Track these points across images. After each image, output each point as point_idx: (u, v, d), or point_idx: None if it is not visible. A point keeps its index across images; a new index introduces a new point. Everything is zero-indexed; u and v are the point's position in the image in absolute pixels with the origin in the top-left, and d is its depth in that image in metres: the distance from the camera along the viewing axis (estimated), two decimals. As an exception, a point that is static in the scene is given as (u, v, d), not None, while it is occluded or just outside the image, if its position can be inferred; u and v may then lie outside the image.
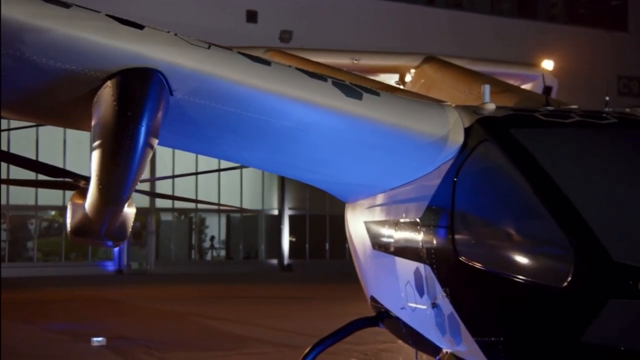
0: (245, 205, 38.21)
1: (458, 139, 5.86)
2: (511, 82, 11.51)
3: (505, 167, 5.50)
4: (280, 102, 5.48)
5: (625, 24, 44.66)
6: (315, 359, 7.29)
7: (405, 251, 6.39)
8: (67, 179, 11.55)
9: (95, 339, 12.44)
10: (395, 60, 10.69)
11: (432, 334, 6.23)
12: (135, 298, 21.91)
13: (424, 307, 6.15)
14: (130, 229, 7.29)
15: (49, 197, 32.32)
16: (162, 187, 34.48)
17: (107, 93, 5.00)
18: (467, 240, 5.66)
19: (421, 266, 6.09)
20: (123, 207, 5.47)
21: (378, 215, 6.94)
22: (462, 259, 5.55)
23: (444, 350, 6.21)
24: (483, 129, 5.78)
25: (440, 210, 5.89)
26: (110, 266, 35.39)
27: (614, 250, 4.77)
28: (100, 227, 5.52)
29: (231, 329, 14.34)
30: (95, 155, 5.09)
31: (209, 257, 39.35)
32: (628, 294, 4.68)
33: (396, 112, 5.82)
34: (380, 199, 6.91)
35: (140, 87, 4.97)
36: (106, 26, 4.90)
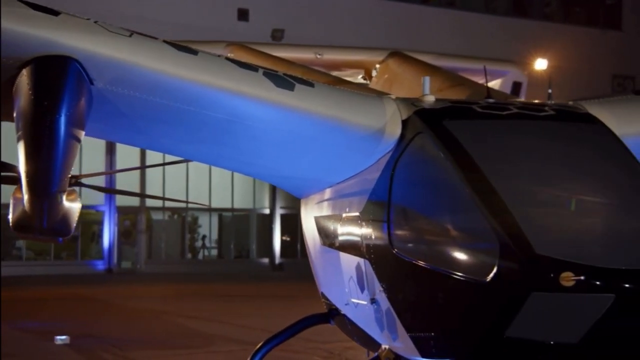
0: (237, 205, 38.10)
1: (395, 131, 5.78)
2: (478, 78, 11.41)
3: (438, 159, 5.43)
4: (208, 92, 5.37)
5: (619, 23, 44.52)
6: (267, 355, 7.23)
7: (348, 246, 6.33)
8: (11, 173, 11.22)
9: (58, 337, 12.32)
10: (360, 55, 10.57)
11: (372, 330, 6.18)
12: (117, 297, 21.87)
13: (365, 302, 6.09)
14: (74, 224, 7.15)
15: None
16: (152, 186, 34.47)
17: (23, 82, 4.90)
18: (401, 234, 5.59)
19: (361, 261, 6.04)
20: (57, 200, 5.34)
21: (325, 210, 6.86)
22: (396, 253, 5.48)
23: (383, 346, 6.17)
24: (419, 121, 5.70)
25: (378, 205, 5.82)
26: (100, 265, 35.29)
27: (537, 243, 4.70)
28: (39, 221, 5.39)
29: (204, 328, 14.26)
30: (20, 147, 4.99)
31: (200, 256, 39.24)
32: (550, 287, 4.61)
33: (330, 103, 5.74)
34: (327, 193, 6.82)
35: (55, 75, 4.86)
36: (17, 12, 4.78)
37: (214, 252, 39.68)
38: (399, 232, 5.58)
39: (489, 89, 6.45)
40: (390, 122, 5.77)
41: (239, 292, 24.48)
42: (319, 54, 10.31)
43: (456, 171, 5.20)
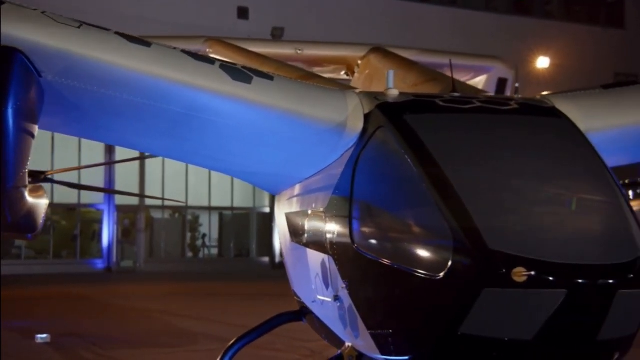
0: (237, 203, 38.03)
1: (357, 125, 5.71)
2: (463, 74, 11.32)
3: (396, 153, 5.36)
4: (162, 85, 5.30)
5: (622, 21, 44.35)
6: (238, 353, 7.17)
7: (314, 243, 6.27)
8: None
9: (39, 336, 12.28)
10: (340, 51, 10.52)
11: (337, 328, 6.13)
12: (111, 295, 21.85)
13: (329, 300, 6.02)
14: (41, 220, 7.07)
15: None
16: (152, 185, 34.45)
17: None
18: (361, 231, 5.51)
19: (326, 258, 5.98)
20: (17, 196, 5.28)
21: (294, 206, 6.80)
22: (356, 249, 5.41)
23: (347, 344, 6.11)
24: (380, 115, 5.63)
25: (340, 200, 5.76)
26: (100, 264, 35.27)
27: (491, 238, 4.63)
28: (2, 217, 5.33)
29: (188, 326, 14.19)
30: None
31: (201, 255, 39.20)
32: (502, 283, 4.53)
33: (290, 97, 5.67)
34: (296, 190, 6.76)
35: None
36: None
37: (215, 251, 39.63)
38: (358, 228, 5.50)
39: (454, 83, 6.37)
40: (352, 116, 5.70)
41: (238, 291, 24.42)
42: (299, 50, 10.24)
43: (413, 165, 5.13)
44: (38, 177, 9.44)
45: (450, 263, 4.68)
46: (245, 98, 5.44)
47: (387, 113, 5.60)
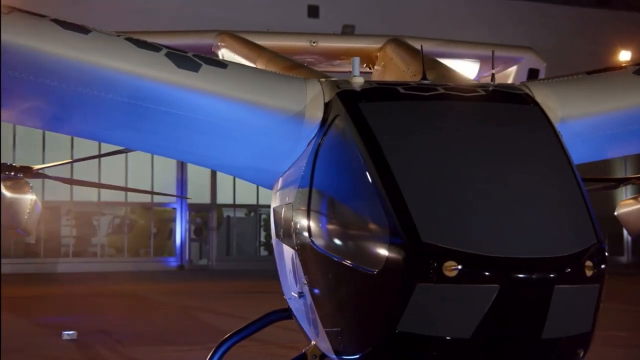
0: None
1: (317, 114, 5.50)
2: (489, 64, 10.90)
3: (348, 144, 5.13)
4: (102, 74, 5.17)
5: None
6: (228, 352, 7.03)
7: (285, 238, 6.11)
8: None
9: (66, 332, 12.37)
10: (356, 43, 10.27)
11: (304, 325, 5.99)
12: (159, 293, 22.10)
13: (297, 296, 5.86)
14: (25, 216, 7.06)
15: (115, 193, 32.83)
16: (223, 186, 34.72)
17: None
18: (316, 224, 5.31)
19: (293, 253, 5.83)
20: None
21: (276, 201, 6.65)
22: (312, 244, 5.22)
23: (312, 342, 5.93)
24: (339, 103, 5.39)
25: (303, 193, 5.58)
26: (173, 262, 35.77)
27: (426, 230, 4.38)
28: None
29: (217, 323, 14.18)
30: None
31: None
32: (434, 278, 4.28)
33: (243, 85, 5.49)
34: (279, 183, 6.60)
35: None
36: None
37: (288, 249, 39.60)
38: (314, 222, 5.31)
39: (424, 70, 6.08)
40: (311, 105, 5.49)
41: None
42: (314, 42, 10.01)
43: (361, 156, 4.90)
44: (28, 173, 9.47)
45: (385, 258, 4.46)
46: (192, 87, 5.28)
47: (345, 101, 5.36)
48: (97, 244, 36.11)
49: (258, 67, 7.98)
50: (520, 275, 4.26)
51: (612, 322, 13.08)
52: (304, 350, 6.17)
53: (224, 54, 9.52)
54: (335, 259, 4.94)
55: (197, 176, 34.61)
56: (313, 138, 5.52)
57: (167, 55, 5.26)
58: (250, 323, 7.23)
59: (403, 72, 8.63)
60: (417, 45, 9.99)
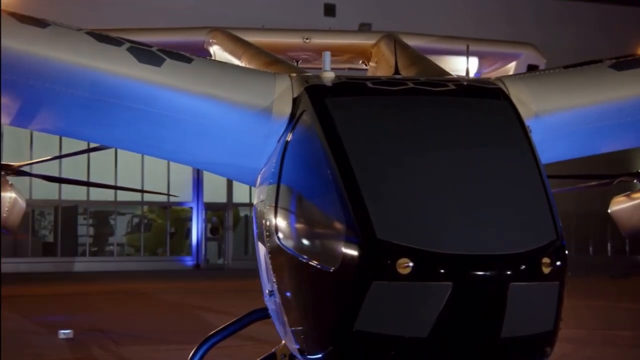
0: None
1: (285, 110, 5.42)
2: (490, 61, 10.80)
3: (312, 139, 5.05)
4: (64, 69, 5.12)
5: None
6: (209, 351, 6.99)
7: (259, 236, 6.03)
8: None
9: (62, 331, 12.37)
10: (350, 39, 10.16)
11: (276, 324, 5.91)
12: (170, 292, 22.14)
13: (268, 294, 5.79)
14: (5, 214, 7.02)
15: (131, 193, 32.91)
16: (240, 186, 34.70)
17: None
18: (282, 222, 5.24)
19: (265, 251, 5.75)
20: None
21: (254, 198, 6.59)
22: (278, 241, 5.16)
23: (282, 342, 5.86)
24: (306, 98, 5.31)
25: (272, 190, 5.52)
26: (189, 261, 35.84)
27: (382, 227, 4.30)
28: None
29: (219, 323, 14.05)
30: None
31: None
32: (389, 275, 4.20)
33: (208, 80, 5.42)
34: (257, 181, 6.53)
35: None
36: None
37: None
38: (281, 220, 5.25)
39: (397, 65, 5.98)
40: (279, 100, 5.41)
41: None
42: (306, 39, 9.92)
43: (325, 152, 4.81)
44: (9, 171, 9.40)
45: (342, 255, 4.39)
46: (154, 81, 5.21)
47: (312, 96, 5.28)
48: (115, 243, 36.25)
49: (243, 63, 7.92)
50: (474, 273, 4.17)
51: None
52: (273, 350, 6.13)
53: (215, 50, 9.48)
54: (298, 257, 4.88)
55: (214, 175, 34.60)
56: (282, 134, 5.45)
57: (129, 49, 5.20)
58: (231, 322, 7.19)
59: (391, 67, 8.55)
60: (411, 41, 9.94)
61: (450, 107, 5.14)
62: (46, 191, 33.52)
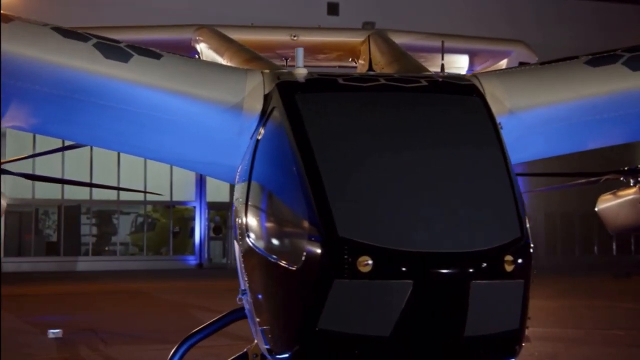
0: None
1: (256, 106, 5.38)
2: (482, 59, 10.73)
3: (282, 136, 5.01)
4: (28, 65, 5.07)
5: None
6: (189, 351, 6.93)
7: (235, 233, 5.99)
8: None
9: (51, 331, 12.33)
10: (338, 37, 10.10)
11: (250, 323, 5.83)
12: (169, 291, 22.10)
13: (241, 294, 5.76)
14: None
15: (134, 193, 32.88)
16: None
17: None
18: (252, 220, 5.21)
19: (239, 250, 5.71)
20: None
21: (234, 197, 6.55)
22: (249, 240, 5.14)
23: (255, 341, 5.81)
24: (276, 95, 5.25)
25: (244, 188, 5.52)
26: (192, 260, 35.80)
27: (344, 225, 4.26)
28: None
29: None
30: None
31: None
32: (350, 273, 4.17)
33: (177, 77, 5.38)
34: (236, 179, 6.49)
35: None
36: None
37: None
38: (250, 218, 5.22)
39: (371, 61, 5.92)
40: (250, 97, 5.37)
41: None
42: (294, 36, 9.86)
43: (292, 149, 4.77)
44: None
45: (305, 253, 4.36)
46: (120, 77, 5.17)
47: (282, 92, 5.23)
48: (118, 242, 36.22)
49: (225, 60, 7.87)
50: (434, 271, 4.12)
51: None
52: (245, 349, 6.09)
53: (202, 48, 9.43)
54: (265, 255, 4.86)
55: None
56: (254, 131, 5.40)
57: (95, 45, 5.15)
58: (211, 322, 7.16)
59: (375, 65, 8.50)
60: (401, 38, 9.88)
61: (420, 104, 5.08)
62: (49, 191, 33.57)
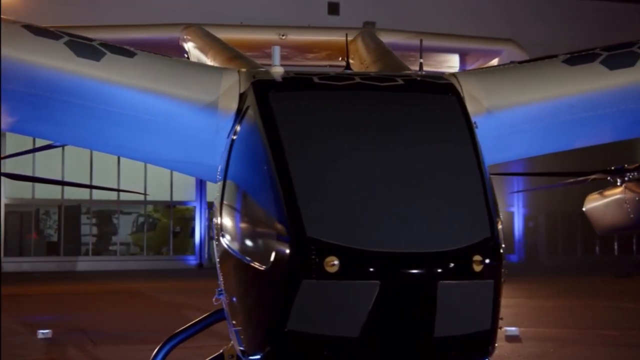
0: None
1: (231, 105, 5.32)
2: (473, 58, 10.70)
3: (255, 135, 4.95)
4: (2, 64, 5.01)
5: None
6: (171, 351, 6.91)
7: (213, 233, 5.96)
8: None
9: (41, 331, 12.35)
10: (326, 36, 10.06)
11: (228, 324, 5.78)
12: (167, 291, 22.15)
13: (218, 294, 5.69)
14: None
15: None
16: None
17: None
18: (225, 220, 5.16)
19: (215, 249, 5.65)
20: None
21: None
22: (223, 240, 5.10)
23: (231, 342, 5.77)
24: (251, 94, 5.20)
25: (219, 187, 5.45)
26: (192, 260, 35.80)
27: (312, 225, 4.21)
28: None
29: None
30: None
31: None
32: (317, 274, 4.12)
33: (150, 75, 5.32)
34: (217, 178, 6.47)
35: None
36: None
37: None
38: (224, 218, 5.18)
39: (348, 60, 5.87)
40: (225, 96, 5.32)
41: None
42: (282, 35, 9.83)
43: (264, 148, 4.72)
44: None
45: (274, 254, 4.32)
46: (92, 76, 5.11)
47: (256, 91, 5.18)
48: (118, 242, 36.21)
49: (209, 59, 7.84)
50: (400, 271, 4.06)
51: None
52: (221, 350, 6.05)
53: (189, 47, 9.41)
54: (236, 255, 4.82)
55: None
56: (230, 130, 5.36)
57: (67, 43, 5.10)
58: (194, 322, 7.16)
59: (361, 64, 8.47)
60: (390, 37, 9.84)
61: (394, 103, 5.02)
62: (49, 191, 33.60)
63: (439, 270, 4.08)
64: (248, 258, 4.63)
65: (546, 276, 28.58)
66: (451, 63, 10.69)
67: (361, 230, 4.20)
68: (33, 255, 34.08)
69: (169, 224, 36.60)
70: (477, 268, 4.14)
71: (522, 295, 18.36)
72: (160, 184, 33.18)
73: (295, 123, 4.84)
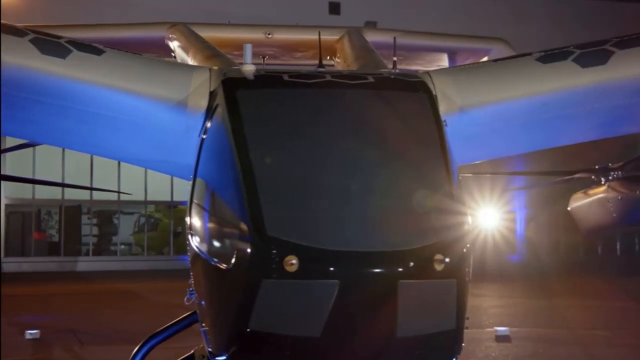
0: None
1: (201, 104, 5.27)
2: (462, 57, 10.65)
3: (222, 133, 4.91)
4: None
5: None
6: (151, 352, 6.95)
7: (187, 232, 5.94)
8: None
9: (29, 331, 12.33)
10: (313, 34, 9.98)
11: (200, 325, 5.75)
12: (167, 291, 22.01)
13: (189, 294, 5.71)
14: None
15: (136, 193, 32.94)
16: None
17: None
18: (193, 220, 5.10)
19: (187, 249, 5.61)
20: None
21: None
22: (192, 239, 5.04)
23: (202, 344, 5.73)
24: (220, 92, 5.17)
25: (190, 187, 5.39)
26: (189, 260, 35.73)
27: (272, 224, 4.17)
28: None
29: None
30: None
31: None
32: (277, 273, 4.08)
33: (118, 73, 5.27)
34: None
35: None
36: None
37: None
38: (192, 217, 5.13)
39: (321, 58, 5.84)
40: (195, 94, 5.27)
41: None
42: (269, 34, 9.79)
43: (230, 146, 4.68)
44: None
45: (235, 253, 4.29)
46: (58, 73, 5.07)
47: (226, 89, 5.14)
48: (119, 242, 36.22)
49: (189, 58, 7.81)
50: (359, 270, 4.01)
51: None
52: (192, 351, 6.03)
53: (174, 46, 9.38)
54: (202, 255, 4.78)
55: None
56: (200, 129, 5.32)
57: (32, 40, 5.06)
58: (174, 322, 7.15)
59: (345, 62, 8.44)
60: (378, 36, 9.79)
61: (363, 100, 4.97)
62: (49, 191, 33.61)
63: (399, 269, 4.03)
64: (213, 257, 4.61)
65: (547, 276, 28.51)
66: (441, 62, 10.64)
67: (322, 229, 4.16)
68: (34, 255, 34.10)
69: (169, 224, 36.59)
70: (439, 267, 4.08)
71: (521, 295, 18.32)
72: (161, 184, 33.17)
73: (261, 121, 4.81)
